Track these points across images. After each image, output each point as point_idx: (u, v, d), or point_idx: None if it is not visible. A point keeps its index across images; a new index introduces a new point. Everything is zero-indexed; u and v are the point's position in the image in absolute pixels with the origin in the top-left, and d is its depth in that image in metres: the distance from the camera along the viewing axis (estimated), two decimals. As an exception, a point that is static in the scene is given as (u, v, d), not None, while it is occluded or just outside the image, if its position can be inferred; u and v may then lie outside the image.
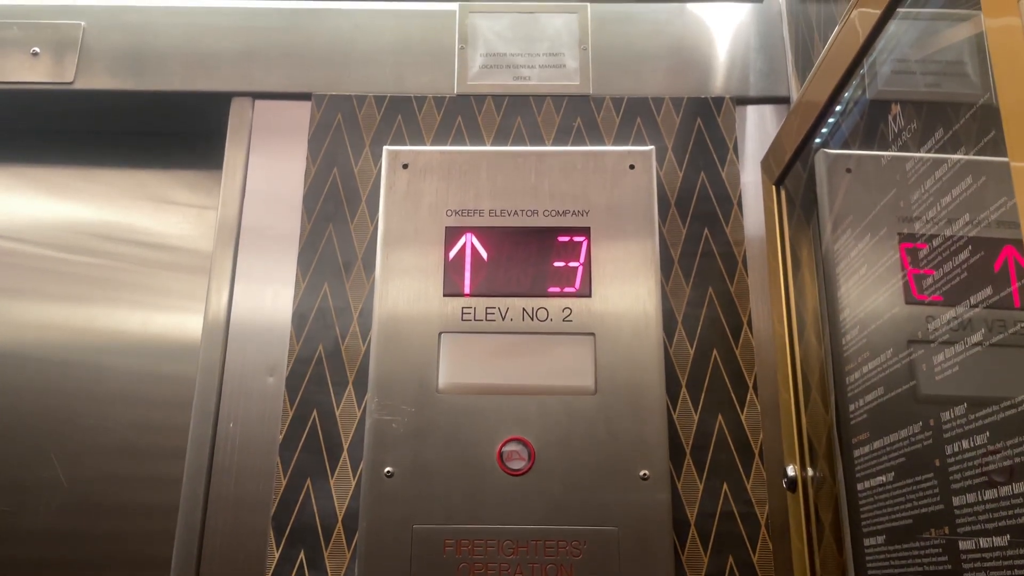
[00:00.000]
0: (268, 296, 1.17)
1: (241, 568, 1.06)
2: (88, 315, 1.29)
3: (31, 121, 1.37)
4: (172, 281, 1.31)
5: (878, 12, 0.80)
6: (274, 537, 1.05)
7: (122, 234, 1.34)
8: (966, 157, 0.64)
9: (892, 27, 0.80)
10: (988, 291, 0.61)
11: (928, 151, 0.70)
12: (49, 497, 1.20)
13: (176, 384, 1.23)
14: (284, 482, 1.08)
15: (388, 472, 1.02)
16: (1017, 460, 0.56)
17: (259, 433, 1.11)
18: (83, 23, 1.32)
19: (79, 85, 1.28)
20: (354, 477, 1.08)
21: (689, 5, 1.31)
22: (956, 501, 0.64)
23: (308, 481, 1.08)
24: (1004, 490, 0.58)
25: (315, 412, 1.11)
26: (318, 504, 1.07)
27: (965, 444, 0.63)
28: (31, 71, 1.29)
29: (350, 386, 1.12)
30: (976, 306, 0.62)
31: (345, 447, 1.09)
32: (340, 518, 1.06)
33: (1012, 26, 0.54)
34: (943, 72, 0.71)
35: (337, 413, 1.11)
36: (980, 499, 0.61)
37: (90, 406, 1.24)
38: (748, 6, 1.31)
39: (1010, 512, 0.57)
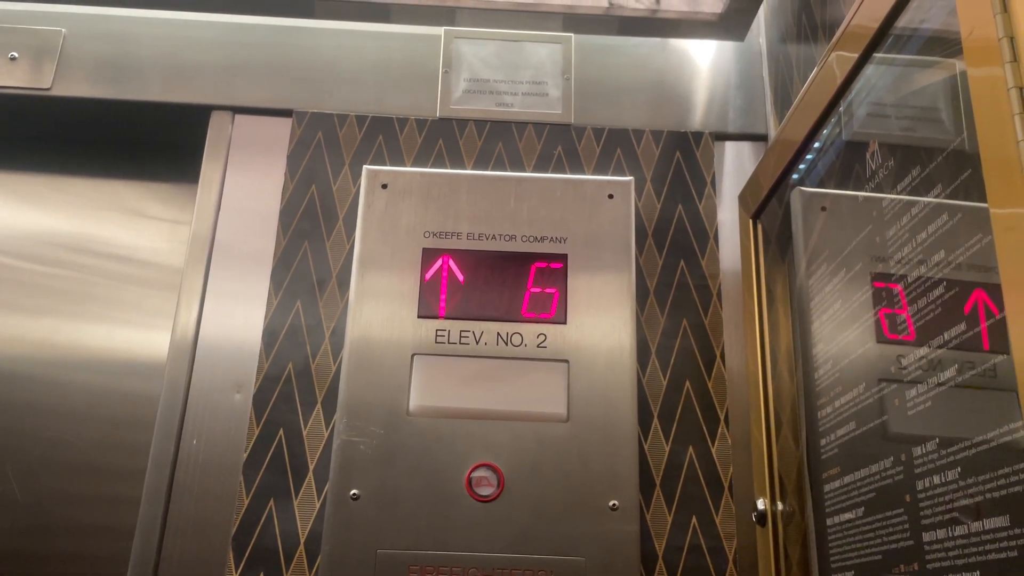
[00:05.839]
0: (238, 312, 1.16)
1: (197, 590, 1.03)
2: (51, 328, 1.26)
3: (4, 127, 1.35)
4: (140, 296, 1.28)
5: (855, 56, 0.81)
6: (233, 559, 1.03)
7: (91, 246, 1.31)
8: (937, 200, 0.65)
9: (869, 71, 0.81)
10: (958, 333, 0.61)
11: (901, 193, 0.71)
12: (2, 515, 1.16)
13: (139, 402, 1.20)
14: (246, 502, 1.05)
15: (354, 495, 1.01)
16: (986, 496, 0.56)
17: (223, 452, 1.09)
18: (64, 30, 1.30)
19: (56, 92, 1.27)
20: (319, 499, 1.05)
21: (671, 40, 1.34)
22: (926, 537, 0.64)
23: (271, 502, 1.05)
24: (974, 526, 0.58)
25: (282, 431, 1.09)
26: (280, 526, 1.04)
27: (936, 480, 0.64)
28: (8, 76, 1.27)
29: (319, 405, 1.10)
30: (947, 347, 0.63)
31: (311, 468, 1.07)
32: (302, 541, 1.04)
33: (994, 76, 0.55)
34: (917, 116, 0.73)
35: (304, 433, 1.09)
36: (950, 535, 0.61)
37: (49, 421, 1.21)
38: (730, 44, 1.34)
39: (980, 548, 0.57)
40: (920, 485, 0.66)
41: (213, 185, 1.23)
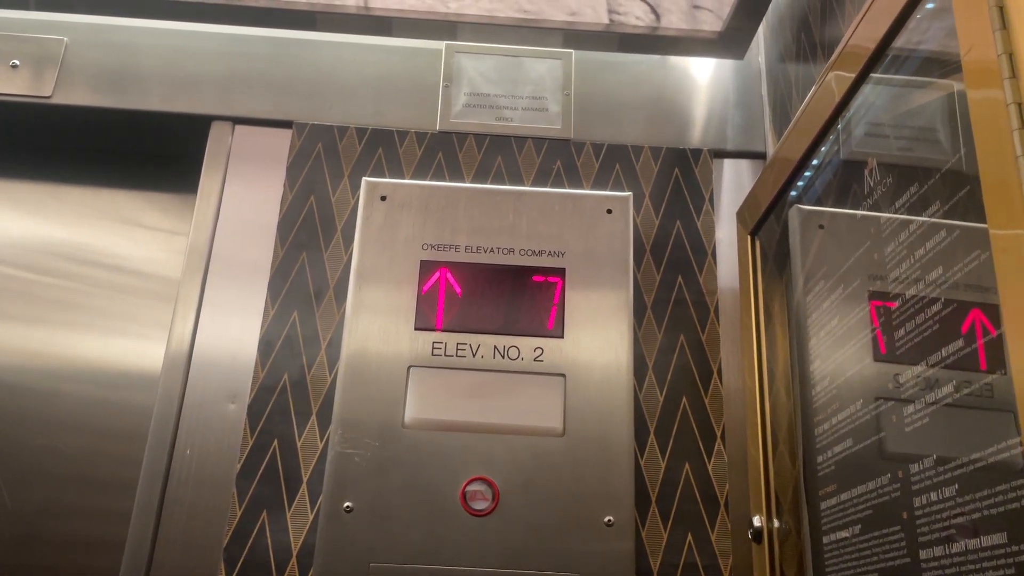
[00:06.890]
0: (234, 323, 1.15)
1: (187, 603, 1.02)
2: (45, 337, 1.25)
3: (4, 134, 1.35)
4: (136, 306, 1.28)
5: (852, 75, 0.82)
6: (225, 571, 1.02)
7: (87, 256, 1.31)
8: (934, 220, 0.65)
9: (867, 90, 0.82)
10: (955, 351, 0.61)
11: (899, 211, 0.71)
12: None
13: (133, 413, 1.19)
14: (239, 514, 1.04)
15: (347, 507, 1.00)
16: (983, 514, 0.56)
17: (216, 463, 1.08)
18: (66, 39, 1.31)
19: (57, 100, 1.27)
20: (312, 511, 1.05)
21: (671, 58, 1.34)
22: (923, 554, 0.64)
23: (264, 513, 1.04)
24: (972, 543, 0.58)
25: (276, 442, 1.08)
26: (273, 538, 1.03)
27: (934, 497, 0.63)
28: (9, 83, 1.28)
29: (314, 417, 1.09)
30: (943, 365, 0.63)
31: (305, 480, 1.06)
32: (295, 553, 1.03)
33: (995, 98, 0.55)
34: (915, 135, 0.73)
35: (299, 444, 1.08)
36: (948, 552, 0.61)
37: (42, 431, 1.20)
38: (729, 62, 1.34)
39: (977, 565, 0.57)
40: (917, 502, 0.65)
41: (212, 195, 1.23)
